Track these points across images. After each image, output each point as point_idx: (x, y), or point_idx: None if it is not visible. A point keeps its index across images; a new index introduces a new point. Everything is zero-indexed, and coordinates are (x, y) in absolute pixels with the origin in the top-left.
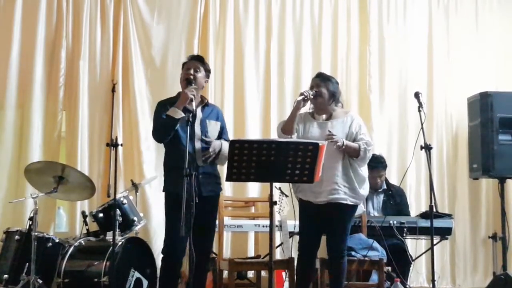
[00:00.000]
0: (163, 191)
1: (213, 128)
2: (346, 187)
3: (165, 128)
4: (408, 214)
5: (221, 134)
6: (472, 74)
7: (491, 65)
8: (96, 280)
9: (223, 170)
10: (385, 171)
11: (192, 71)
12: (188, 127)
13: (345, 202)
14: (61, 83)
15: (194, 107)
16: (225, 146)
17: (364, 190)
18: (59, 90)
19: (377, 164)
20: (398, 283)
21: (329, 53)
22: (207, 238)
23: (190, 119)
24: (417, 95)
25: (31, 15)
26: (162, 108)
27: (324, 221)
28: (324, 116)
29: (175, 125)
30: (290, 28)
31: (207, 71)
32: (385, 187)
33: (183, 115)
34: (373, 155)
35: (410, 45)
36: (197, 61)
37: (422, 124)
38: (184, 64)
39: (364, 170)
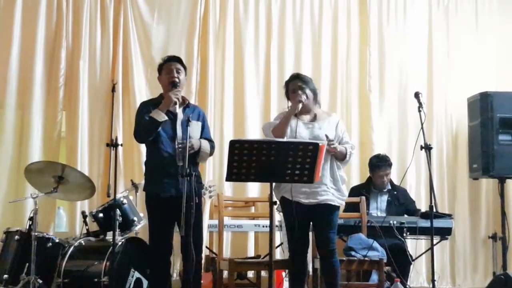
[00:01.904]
0: (144, 190)
1: (194, 128)
2: (333, 189)
3: (147, 129)
4: (415, 210)
5: (203, 134)
6: (472, 74)
7: (491, 65)
8: (96, 280)
9: (218, 170)
10: (390, 169)
11: (175, 73)
12: (184, 126)
13: (333, 203)
14: (61, 83)
15: (177, 110)
16: (204, 143)
17: (345, 191)
18: (59, 90)
19: (383, 162)
20: (398, 283)
21: (329, 54)
22: (196, 236)
23: (190, 118)
24: (417, 95)
25: (31, 15)
26: (144, 109)
27: (310, 220)
28: (308, 117)
29: (158, 127)
30: (290, 29)
31: (186, 70)
32: (389, 187)
33: (166, 118)
34: (378, 155)
35: (410, 45)
36: (177, 62)
37: (422, 124)
38: (162, 65)
39: (343, 172)
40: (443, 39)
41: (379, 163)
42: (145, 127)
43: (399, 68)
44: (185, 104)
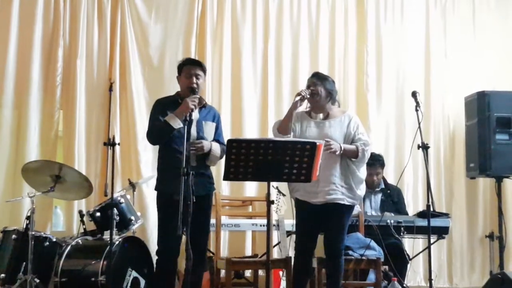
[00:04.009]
0: (155, 189)
1: (209, 129)
2: (344, 187)
3: (160, 133)
4: (405, 212)
5: (216, 136)
6: (469, 74)
7: (488, 65)
8: (93, 279)
9: (216, 169)
10: (382, 170)
11: (194, 79)
12: (186, 128)
13: (342, 202)
14: (58, 82)
15: (193, 117)
16: (215, 147)
17: (361, 191)
18: (56, 89)
19: (374, 161)
20: (395, 282)
21: (327, 53)
22: (202, 237)
23: (188, 118)
24: (414, 94)
25: (28, 14)
26: (160, 109)
27: (321, 221)
28: (321, 116)
29: (171, 133)
30: (287, 27)
31: (205, 72)
32: (383, 186)
33: (181, 125)
34: (371, 153)
35: (407, 45)
36: (198, 67)
37: (419, 124)
38: (182, 67)
39: (362, 172)
40: (441, 39)
41: (370, 161)
42: (159, 130)
43: (397, 67)
44: (202, 105)
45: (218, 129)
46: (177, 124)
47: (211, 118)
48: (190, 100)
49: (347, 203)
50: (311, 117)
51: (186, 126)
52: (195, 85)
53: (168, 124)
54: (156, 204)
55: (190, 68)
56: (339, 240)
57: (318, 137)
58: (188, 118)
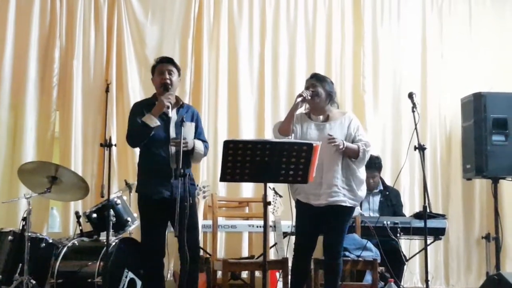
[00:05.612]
0: (136, 191)
1: (188, 129)
2: (345, 189)
3: (139, 135)
4: (402, 215)
5: (196, 134)
6: (465, 75)
7: (484, 66)
8: (89, 280)
9: (213, 170)
10: (378, 173)
11: (167, 75)
12: (177, 127)
13: (344, 204)
14: (54, 83)
15: (170, 114)
16: (198, 144)
17: (362, 191)
18: (52, 90)
19: (370, 164)
20: (392, 283)
21: (323, 54)
22: (192, 236)
23: (184, 119)
24: (411, 95)
25: (24, 15)
26: (137, 111)
27: (321, 223)
28: (321, 117)
29: (150, 133)
30: (284, 29)
31: (179, 71)
32: (381, 187)
33: (158, 123)
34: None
35: (404, 46)
36: (169, 64)
37: (415, 125)
38: (154, 67)
39: (362, 172)
40: (437, 40)
41: (367, 163)
42: (137, 132)
43: (393, 68)
44: (179, 105)
45: (198, 128)
46: (154, 123)
47: (190, 118)
48: (165, 97)
49: (348, 205)
50: (311, 119)
51: (178, 127)
52: (167, 81)
53: (146, 124)
54: (137, 206)
55: (162, 65)
56: (339, 242)
57: (319, 139)
58: (180, 118)
